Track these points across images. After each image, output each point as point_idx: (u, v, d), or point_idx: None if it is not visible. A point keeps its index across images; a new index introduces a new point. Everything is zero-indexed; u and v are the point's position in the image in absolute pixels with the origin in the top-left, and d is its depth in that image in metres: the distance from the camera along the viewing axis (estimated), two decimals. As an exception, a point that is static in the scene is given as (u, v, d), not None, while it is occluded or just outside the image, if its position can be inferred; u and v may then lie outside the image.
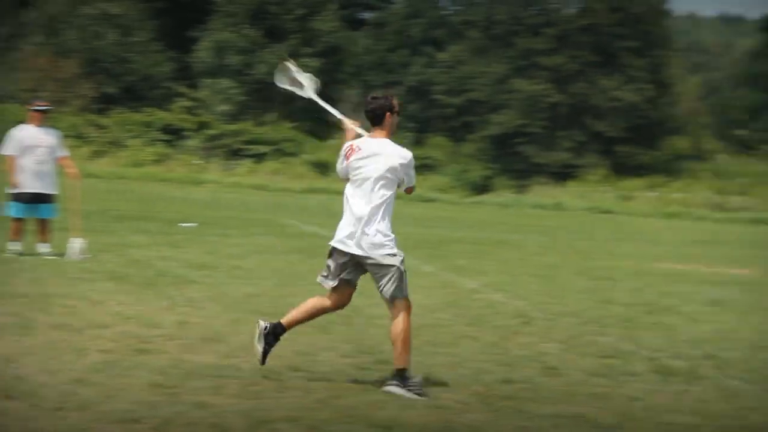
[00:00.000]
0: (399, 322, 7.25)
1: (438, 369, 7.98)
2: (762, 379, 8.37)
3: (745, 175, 49.63)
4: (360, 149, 7.41)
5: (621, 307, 12.34)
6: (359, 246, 7.28)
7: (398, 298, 7.27)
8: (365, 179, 7.34)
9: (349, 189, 7.44)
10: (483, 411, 6.82)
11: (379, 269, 7.28)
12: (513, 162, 52.32)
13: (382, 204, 7.32)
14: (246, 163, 45.31)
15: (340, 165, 7.51)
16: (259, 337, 7.47)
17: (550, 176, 50.26)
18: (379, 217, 7.31)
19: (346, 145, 7.52)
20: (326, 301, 7.53)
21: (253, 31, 52.85)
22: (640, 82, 53.29)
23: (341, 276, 7.42)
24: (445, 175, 48.72)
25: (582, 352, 9.12)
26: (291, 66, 8.27)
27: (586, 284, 14.71)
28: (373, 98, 7.50)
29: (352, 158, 7.41)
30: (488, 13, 56.39)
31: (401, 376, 7.20)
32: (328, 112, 8.08)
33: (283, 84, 8.34)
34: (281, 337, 7.47)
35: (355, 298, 7.60)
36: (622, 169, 50.65)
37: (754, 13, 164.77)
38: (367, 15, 65.82)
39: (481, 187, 47.95)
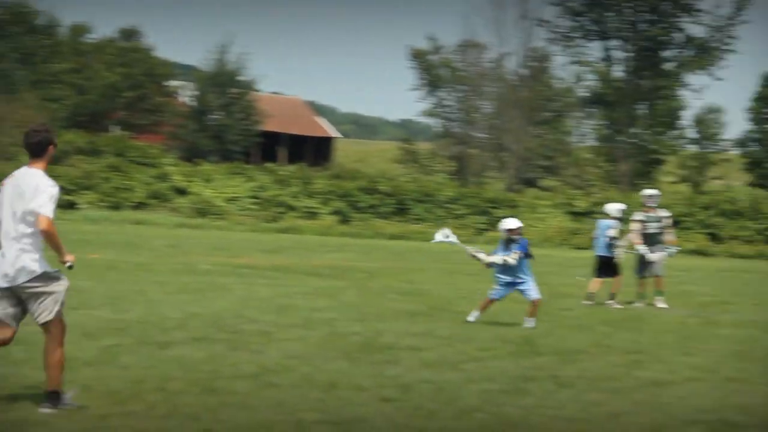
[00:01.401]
0: (55, 347, 7.30)
1: None
2: None
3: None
4: (12, 178, 7.33)
5: None
6: (8, 277, 7.20)
7: (52, 322, 7.31)
8: (13, 209, 7.23)
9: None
10: None
11: (30, 296, 7.27)
12: None
13: (32, 234, 7.22)
14: None
15: None
16: None
17: None
18: (29, 246, 7.21)
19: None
20: None
21: None
22: None
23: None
24: None
25: None
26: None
27: None
28: (35, 131, 7.39)
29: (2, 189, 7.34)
30: None
31: (56, 398, 7.30)
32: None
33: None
34: None
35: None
36: None
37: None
38: None
39: None
